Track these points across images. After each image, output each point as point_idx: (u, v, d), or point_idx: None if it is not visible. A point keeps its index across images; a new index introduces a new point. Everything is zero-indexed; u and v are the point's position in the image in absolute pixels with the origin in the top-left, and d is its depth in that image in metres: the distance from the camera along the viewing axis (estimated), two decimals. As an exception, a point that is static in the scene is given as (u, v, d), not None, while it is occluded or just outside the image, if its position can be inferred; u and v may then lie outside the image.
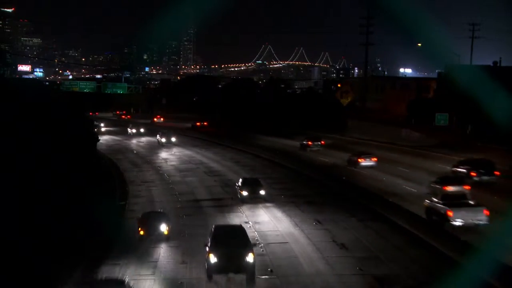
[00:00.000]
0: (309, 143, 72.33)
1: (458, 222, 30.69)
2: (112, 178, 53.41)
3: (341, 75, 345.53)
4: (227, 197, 43.48)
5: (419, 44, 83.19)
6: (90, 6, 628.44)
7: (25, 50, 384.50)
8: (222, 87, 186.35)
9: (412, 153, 63.84)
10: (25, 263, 23.90)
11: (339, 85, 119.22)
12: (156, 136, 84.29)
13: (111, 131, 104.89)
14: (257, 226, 33.99)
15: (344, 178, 48.16)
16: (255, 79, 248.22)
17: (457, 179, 40.20)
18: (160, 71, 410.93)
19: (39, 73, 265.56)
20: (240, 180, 42.99)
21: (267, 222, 35.03)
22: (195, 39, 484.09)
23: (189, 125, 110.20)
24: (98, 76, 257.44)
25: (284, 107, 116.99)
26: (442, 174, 43.33)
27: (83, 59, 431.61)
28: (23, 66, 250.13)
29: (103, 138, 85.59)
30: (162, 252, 29.25)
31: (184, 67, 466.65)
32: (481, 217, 30.75)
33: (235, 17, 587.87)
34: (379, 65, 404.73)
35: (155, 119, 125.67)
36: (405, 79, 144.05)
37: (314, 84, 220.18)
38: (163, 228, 31.02)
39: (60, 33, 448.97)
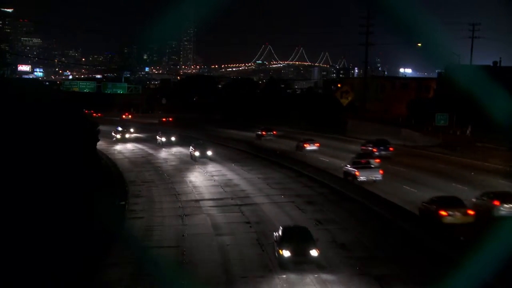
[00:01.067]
0: (263, 133, 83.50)
1: (362, 178, 44.86)
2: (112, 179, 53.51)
3: (341, 75, 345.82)
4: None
5: (419, 44, 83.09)
6: (90, 6, 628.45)
7: (25, 50, 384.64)
8: (222, 87, 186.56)
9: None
10: (24, 263, 23.91)
11: (339, 85, 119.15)
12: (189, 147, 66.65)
13: (138, 139, 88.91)
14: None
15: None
16: (255, 79, 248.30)
17: (367, 155, 54.47)
18: (160, 71, 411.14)
19: (39, 73, 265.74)
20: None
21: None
22: (195, 39, 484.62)
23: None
24: (98, 76, 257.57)
25: (283, 106, 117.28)
26: (357, 152, 57.21)
27: (83, 59, 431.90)
28: (23, 66, 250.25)
29: (126, 148, 79.04)
30: (162, 252, 29.27)
31: (184, 67, 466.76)
32: (377, 175, 45.47)
33: (235, 17, 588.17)
34: (379, 65, 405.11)
35: (166, 119, 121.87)
36: (405, 79, 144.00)
37: (314, 84, 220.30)
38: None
39: (60, 33, 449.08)
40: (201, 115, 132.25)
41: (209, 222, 35.78)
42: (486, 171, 51.10)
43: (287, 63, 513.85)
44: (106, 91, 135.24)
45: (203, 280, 25.05)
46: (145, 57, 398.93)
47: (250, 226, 34.25)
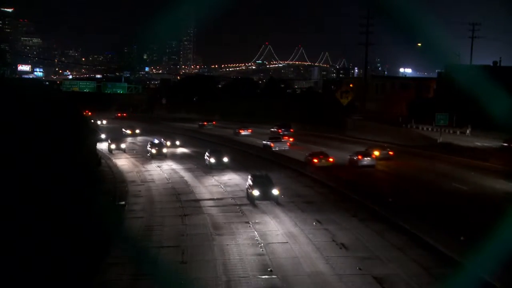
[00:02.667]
0: (205, 123, 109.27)
1: (275, 148, 68.15)
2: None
3: (341, 75, 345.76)
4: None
5: (419, 44, 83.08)
6: (90, 6, 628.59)
7: (25, 50, 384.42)
8: (222, 87, 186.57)
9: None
10: (24, 263, 23.91)
11: (351, 85, 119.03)
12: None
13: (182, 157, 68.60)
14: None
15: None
16: (255, 79, 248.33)
17: (277, 133, 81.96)
18: (160, 71, 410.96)
19: (39, 73, 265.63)
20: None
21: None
22: (195, 39, 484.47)
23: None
24: (98, 76, 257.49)
25: (283, 106, 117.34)
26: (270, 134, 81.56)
27: (83, 59, 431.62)
28: (23, 66, 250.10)
29: (161, 172, 57.18)
30: (162, 251, 29.26)
31: (184, 67, 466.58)
32: (285, 146, 70.18)
33: (235, 17, 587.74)
34: (379, 65, 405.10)
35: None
36: (405, 79, 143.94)
37: (314, 84, 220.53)
38: None
39: (60, 33, 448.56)
40: (200, 115, 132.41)
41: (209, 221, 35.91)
42: (486, 171, 51.11)
43: (287, 63, 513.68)
44: (106, 91, 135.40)
45: (203, 280, 25.04)
46: (145, 57, 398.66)
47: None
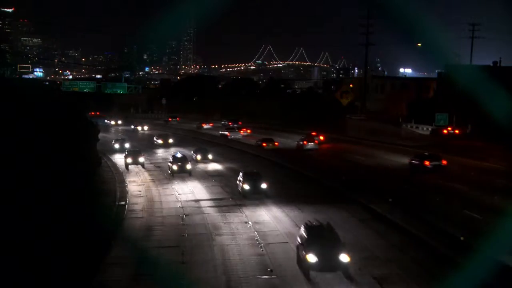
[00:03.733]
0: (169, 119, 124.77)
1: (232, 137, 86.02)
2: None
3: (341, 75, 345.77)
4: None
5: (419, 44, 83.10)
6: (90, 6, 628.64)
7: (25, 50, 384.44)
8: (222, 87, 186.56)
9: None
10: (24, 263, 23.91)
11: (351, 85, 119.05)
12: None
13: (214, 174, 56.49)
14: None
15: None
16: (255, 79, 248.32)
17: (232, 127, 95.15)
18: (160, 71, 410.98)
19: (39, 73, 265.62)
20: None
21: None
22: (195, 39, 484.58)
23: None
24: (98, 76, 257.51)
25: (284, 106, 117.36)
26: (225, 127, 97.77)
27: (83, 59, 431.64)
28: (23, 66, 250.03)
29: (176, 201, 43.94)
30: (162, 252, 29.26)
31: (184, 67, 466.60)
32: (239, 135, 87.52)
33: (235, 17, 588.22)
34: (379, 65, 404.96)
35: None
36: (405, 79, 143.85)
37: (314, 84, 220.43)
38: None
39: (60, 33, 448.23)
40: (200, 115, 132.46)
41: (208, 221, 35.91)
42: (486, 171, 51.13)
43: (287, 63, 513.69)
44: (106, 91, 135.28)
45: (203, 280, 25.05)
46: (145, 57, 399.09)
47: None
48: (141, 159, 60.93)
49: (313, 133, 77.48)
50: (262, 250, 29.08)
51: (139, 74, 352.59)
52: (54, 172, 32.24)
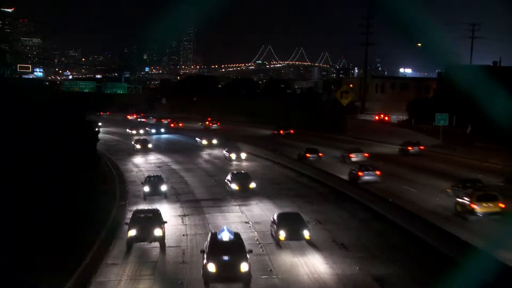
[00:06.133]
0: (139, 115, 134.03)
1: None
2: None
3: (341, 75, 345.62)
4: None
5: (419, 44, 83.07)
6: (90, 6, 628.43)
7: (25, 50, 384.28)
8: (222, 87, 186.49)
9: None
10: (25, 263, 23.90)
11: (351, 85, 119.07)
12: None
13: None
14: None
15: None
16: (255, 79, 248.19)
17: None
18: (160, 71, 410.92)
19: (39, 73, 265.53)
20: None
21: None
22: (195, 39, 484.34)
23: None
24: (98, 76, 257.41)
25: (284, 106, 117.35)
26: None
27: (83, 59, 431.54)
28: (23, 66, 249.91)
29: None
30: (162, 252, 29.21)
31: (184, 67, 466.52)
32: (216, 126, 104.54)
33: (235, 17, 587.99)
34: (379, 65, 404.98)
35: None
36: (405, 79, 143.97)
37: (314, 84, 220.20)
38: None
39: (60, 33, 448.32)
40: (200, 115, 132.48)
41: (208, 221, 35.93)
42: (485, 171, 51.09)
43: (287, 63, 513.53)
44: (106, 91, 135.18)
45: (203, 280, 25.02)
46: (145, 57, 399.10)
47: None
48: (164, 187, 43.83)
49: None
50: (262, 251, 29.07)
51: (139, 74, 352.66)
52: (53, 172, 32.22)
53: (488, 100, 51.20)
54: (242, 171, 49.02)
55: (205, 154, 71.32)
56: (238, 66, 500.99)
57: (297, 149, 65.85)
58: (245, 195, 42.80)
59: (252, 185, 43.56)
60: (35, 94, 46.22)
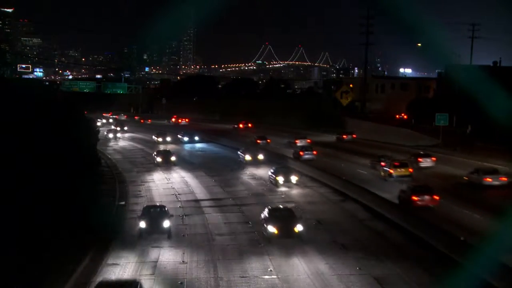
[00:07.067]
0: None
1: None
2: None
3: (341, 75, 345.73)
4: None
5: (419, 44, 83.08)
6: (90, 6, 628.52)
7: (25, 50, 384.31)
8: (222, 87, 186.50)
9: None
10: (25, 263, 23.89)
11: (350, 85, 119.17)
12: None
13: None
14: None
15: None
16: (255, 79, 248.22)
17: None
18: (160, 71, 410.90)
19: (39, 73, 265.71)
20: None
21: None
22: (195, 39, 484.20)
23: None
24: (98, 76, 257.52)
25: (284, 106, 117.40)
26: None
27: (83, 59, 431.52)
28: (23, 66, 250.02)
29: None
30: (162, 252, 29.23)
31: (184, 67, 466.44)
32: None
33: (235, 17, 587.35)
34: (379, 65, 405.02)
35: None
36: (405, 79, 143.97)
37: (314, 84, 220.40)
38: None
39: (60, 33, 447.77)
40: (200, 115, 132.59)
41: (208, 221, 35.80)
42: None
43: (287, 63, 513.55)
44: (106, 91, 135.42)
45: (203, 280, 25.04)
46: (145, 57, 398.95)
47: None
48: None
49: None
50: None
51: (139, 74, 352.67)
52: (53, 172, 32.21)
53: (488, 100, 51.23)
54: (286, 206, 34.94)
55: (246, 175, 54.70)
56: (238, 66, 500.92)
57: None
58: (284, 244, 29.72)
59: (299, 228, 30.17)
60: (34, 94, 46.15)
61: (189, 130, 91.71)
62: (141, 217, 32.41)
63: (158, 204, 37.70)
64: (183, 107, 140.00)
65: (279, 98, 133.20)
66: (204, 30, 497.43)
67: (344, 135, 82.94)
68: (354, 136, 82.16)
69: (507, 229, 26.04)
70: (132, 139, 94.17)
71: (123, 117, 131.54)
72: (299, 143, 71.85)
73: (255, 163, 59.64)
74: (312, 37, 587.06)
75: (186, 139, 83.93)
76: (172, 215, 33.48)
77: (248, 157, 60.45)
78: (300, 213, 34.08)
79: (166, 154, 60.92)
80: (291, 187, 46.87)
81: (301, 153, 62.61)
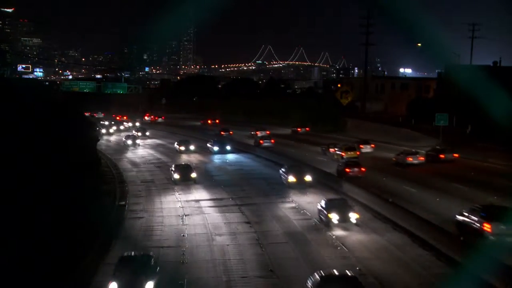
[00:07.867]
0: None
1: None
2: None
3: (341, 75, 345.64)
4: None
5: (419, 44, 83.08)
6: (90, 6, 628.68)
7: (25, 50, 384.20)
8: (222, 87, 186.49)
9: None
10: (26, 263, 23.90)
11: (339, 85, 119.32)
12: None
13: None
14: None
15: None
16: (255, 79, 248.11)
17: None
18: (160, 71, 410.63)
19: (39, 73, 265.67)
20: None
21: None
22: (195, 39, 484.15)
23: None
24: (98, 76, 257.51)
25: (284, 106, 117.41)
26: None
27: (83, 59, 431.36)
28: (23, 66, 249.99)
29: None
30: (162, 251, 29.24)
31: (184, 67, 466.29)
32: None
33: (235, 17, 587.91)
34: (379, 65, 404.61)
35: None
36: (405, 79, 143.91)
37: (314, 84, 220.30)
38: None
39: (60, 33, 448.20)
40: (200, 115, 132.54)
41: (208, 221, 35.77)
42: (486, 171, 51.07)
43: (287, 63, 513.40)
44: (106, 91, 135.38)
45: (203, 280, 25.04)
46: (145, 57, 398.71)
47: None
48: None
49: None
50: (263, 250, 29.07)
51: (139, 74, 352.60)
52: (53, 172, 32.23)
53: (488, 100, 51.23)
54: (345, 275, 22.20)
55: (288, 206, 40.29)
56: (238, 66, 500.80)
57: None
58: None
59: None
60: (34, 94, 46.20)
61: (220, 138, 78.86)
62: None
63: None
64: (183, 107, 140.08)
65: (279, 98, 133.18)
66: (204, 30, 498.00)
67: (299, 128, 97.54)
68: (308, 129, 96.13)
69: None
70: (153, 147, 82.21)
71: (137, 124, 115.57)
72: (259, 134, 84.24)
73: (301, 186, 45.85)
74: (312, 37, 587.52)
75: (216, 148, 69.91)
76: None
77: (291, 179, 46.26)
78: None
79: (185, 170, 50.42)
80: (349, 229, 32.74)
81: (261, 141, 74.93)
